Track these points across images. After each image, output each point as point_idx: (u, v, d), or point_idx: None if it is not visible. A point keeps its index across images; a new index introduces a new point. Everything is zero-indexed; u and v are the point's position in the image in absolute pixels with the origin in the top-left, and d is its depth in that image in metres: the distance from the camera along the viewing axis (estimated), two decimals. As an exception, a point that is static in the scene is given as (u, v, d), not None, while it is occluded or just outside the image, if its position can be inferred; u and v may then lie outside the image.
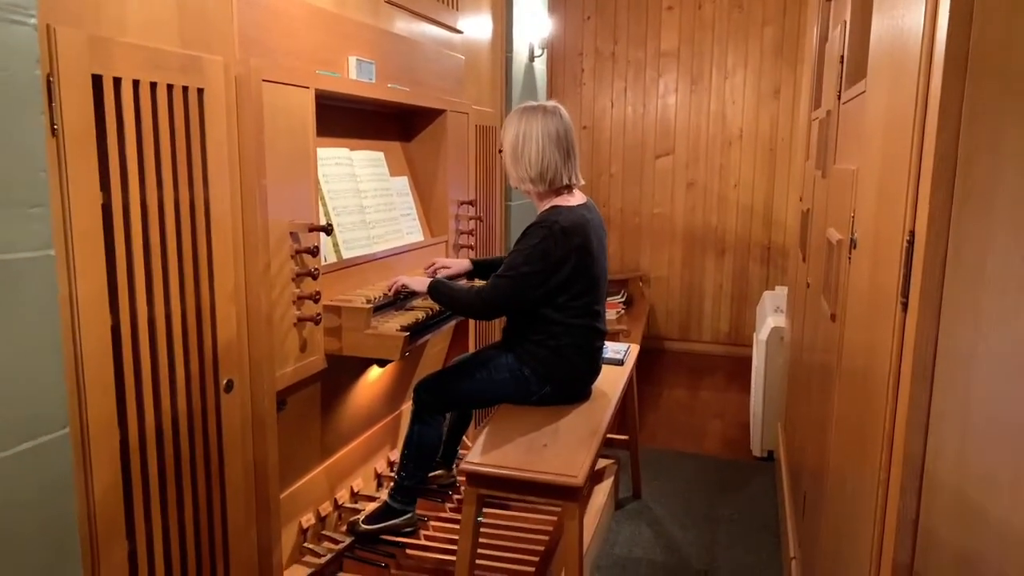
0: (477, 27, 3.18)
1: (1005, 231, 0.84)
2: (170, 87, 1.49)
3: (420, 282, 2.19)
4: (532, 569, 2.18)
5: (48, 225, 1.20)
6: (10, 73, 1.12)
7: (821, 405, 1.74)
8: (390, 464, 2.67)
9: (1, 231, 1.12)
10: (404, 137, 2.76)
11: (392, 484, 2.34)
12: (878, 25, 1.30)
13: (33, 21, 1.16)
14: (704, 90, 5.30)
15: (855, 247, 1.36)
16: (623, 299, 5.30)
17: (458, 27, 2.96)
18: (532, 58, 3.69)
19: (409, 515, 2.31)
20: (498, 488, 1.79)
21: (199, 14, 1.59)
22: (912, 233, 0.93)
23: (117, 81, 1.37)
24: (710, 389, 4.70)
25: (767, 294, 4.34)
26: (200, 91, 1.57)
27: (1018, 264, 0.84)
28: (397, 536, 2.33)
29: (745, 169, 5.28)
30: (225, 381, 1.69)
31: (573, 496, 1.71)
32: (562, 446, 1.87)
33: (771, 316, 3.66)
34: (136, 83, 1.41)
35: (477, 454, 1.82)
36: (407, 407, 2.81)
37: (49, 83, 1.24)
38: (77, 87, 1.29)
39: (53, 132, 1.26)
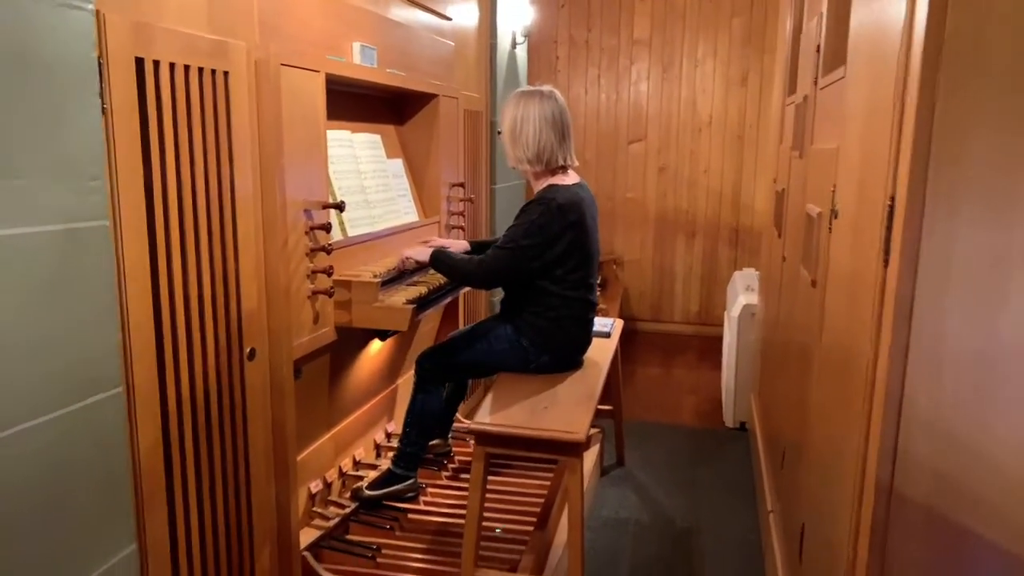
0: (464, 14, 3.29)
1: (973, 192, 0.99)
2: (200, 70, 1.58)
3: (423, 252, 2.30)
4: (531, 529, 2.32)
5: (104, 197, 1.30)
6: (72, 55, 1.21)
7: (801, 364, 1.91)
8: (388, 435, 2.78)
9: (66, 202, 1.21)
10: (397, 121, 2.86)
11: (395, 452, 2.45)
12: (858, 17, 1.45)
13: (90, 7, 1.24)
14: (675, 78, 5.46)
15: (836, 217, 1.52)
16: (598, 281, 5.46)
17: (447, 14, 3.06)
18: (514, 45, 3.81)
19: (411, 480, 2.43)
20: (505, 446, 1.92)
21: (225, 1, 1.68)
22: (893, 198, 1.08)
23: (156, 64, 1.45)
24: (682, 367, 4.89)
25: (737, 274, 4.53)
26: (226, 74, 1.66)
27: (985, 221, 0.99)
28: (399, 502, 2.45)
29: (714, 155, 5.46)
30: (248, 349, 1.79)
31: (575, 451, 1.85)
32: (562, 408, 2.01)
33: (742, 294, 3.83)
34: (172, 66, 1.49)
35: (485, 415, 1.95)
36: (402, 381, 2.93)
37: (99, 65, 1.32)
38: (123, 69, 1.37)
39: (103, 111, 1.34)
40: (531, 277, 2.23)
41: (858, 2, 1.45)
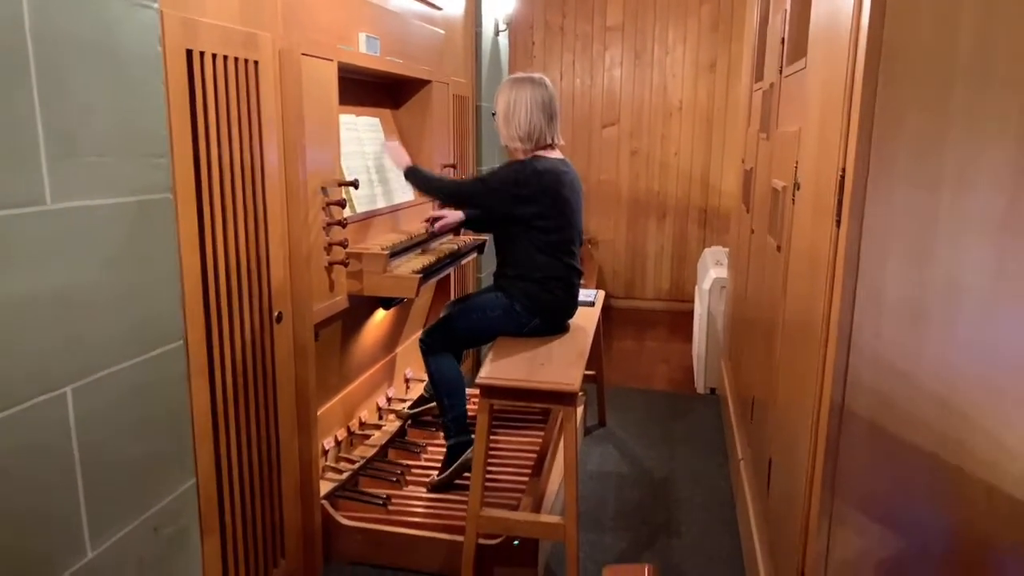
0: (452, 3, 3.46)
1: (906, 164, 1.22)
2: (236, 60, 1.75)
3: (401, 162, 2.66)
4: (527, 476, 2.55)
5: (168, 173, 1.48)
6: (143, 48, 1.39)
7: (768, 322, 2.16)
8: (388, 399, 2.99)
9: (138, 176, 1.39)
10: (393, 105, 3.04)
11: (442, 429, 2.62)
12: (815, 17, 1.68)
13: (156, 6, 1.42)
14: (647, 64, 5.68)
15: (798, 189, 1.75)
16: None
17: (438, 4, 3.24)
18: (497, 32, 3.99)
19: (471, 447, 2.58)
20: (509, 397, 2.14)
21: (254, -4, 1.85)
22: (844, 170, 1.31)
23: (202, 55, 1.63)
24: (655, 340, 5.15)
25: (708, 251, 4.80)
26: (256, 63, 1.84)
27: (916, 188, 1.23)
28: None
29: (684, 138, 5.71)
30: (277, 313, 1.98)
31: (571, 401, 2.08)
32: (557, 364, 2.23)
33: (713, 269, 4.10)
34: (214, 56, 1.67)
35: (488, 371, 2.16)
36: (401, 350, 3.14)
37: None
38: (177, 60, 1.55)
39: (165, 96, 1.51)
40: (503, 226, 2.47)
41: (816, 3, 1.69)
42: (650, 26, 5.62)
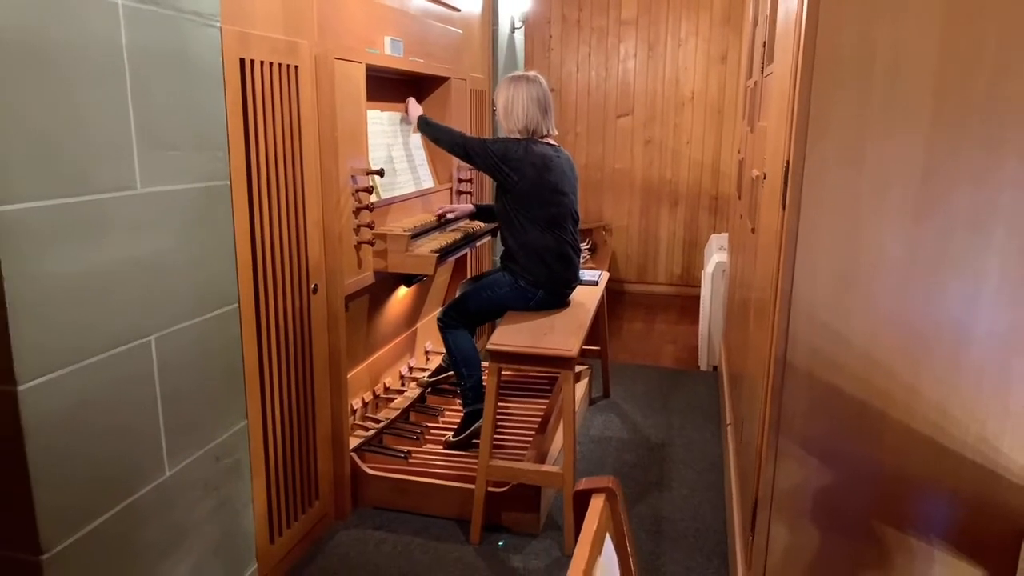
0: (470, 3, 3.73)
1: (834, 156, 1.47)
2: (280, 65, 2.04)
3: (414, 115, 2.98)
4: (533, 435, 2.84)
5: (226, 164, 1.78)
6: (208, 60, 1.68)
7: (747, 302, 2.41)
8: (410, 368, 3.29)
9: (204, 167, 1.69)
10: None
11: (461, 396, 2.90)
12: (778, 27, 1.92)
13: (219, 25, 1.71)
14: (660, 56, 5.90)
15: (765, 179, 2.01)
16: (588, 246, 5.95)
17: (456, 5, 3.51)
18: (513, 29, 4.25)
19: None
20: (515, 362, 2.42)
21: (294, 9, 2.14)
22: (788, 162, 1.57)
23: (252, 63, 1.92)
24: (664, 322, 5.40)
25: (714, 236, 5.03)
26: (296, 68, 2.12)
27: (842, 175, 1.49)
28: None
29: (696, 127, 5.92)
30: (313, 285, 2.28)
31: (570, 364, 2.35)
32: (558, 333, 2.51)
33: (716, 253, 4.34)
34: (262, 63, 1.96)
35: (497, 338, 2.45)
36: (421, 325, 3.43)
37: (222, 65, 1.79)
38: (233, 67, 1.84)
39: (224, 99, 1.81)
40: (502, 211, 2.76)
41: (779, 17, 1.93)
42: (663, 19, 5.83)
